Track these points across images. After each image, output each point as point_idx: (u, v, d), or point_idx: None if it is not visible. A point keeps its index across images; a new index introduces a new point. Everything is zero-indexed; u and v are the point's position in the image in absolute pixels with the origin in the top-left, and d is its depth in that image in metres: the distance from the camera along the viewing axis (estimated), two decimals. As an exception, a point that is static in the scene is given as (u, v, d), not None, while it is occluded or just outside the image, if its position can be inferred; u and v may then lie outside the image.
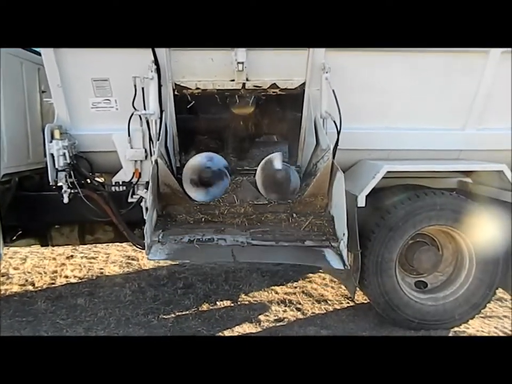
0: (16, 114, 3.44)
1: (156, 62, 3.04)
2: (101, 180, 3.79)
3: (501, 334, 3.36)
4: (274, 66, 3.12)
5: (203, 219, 3.05)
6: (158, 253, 2.69)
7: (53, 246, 3.95)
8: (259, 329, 3.37)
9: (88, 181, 3.37)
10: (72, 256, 5.02)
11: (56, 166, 3.14)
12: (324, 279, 4.38)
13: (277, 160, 3.09)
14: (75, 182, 3.23)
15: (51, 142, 3.10)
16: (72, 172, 3.21)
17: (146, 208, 3.22)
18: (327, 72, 3.06)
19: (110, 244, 5.03)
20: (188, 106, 3.36)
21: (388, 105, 3.39)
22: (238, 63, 2.97)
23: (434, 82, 3.34)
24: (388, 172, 3.11)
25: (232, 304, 3.82)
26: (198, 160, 3.17)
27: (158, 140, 2.99)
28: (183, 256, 2.81)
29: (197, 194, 3.12)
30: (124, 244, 5.02)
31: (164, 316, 3.58)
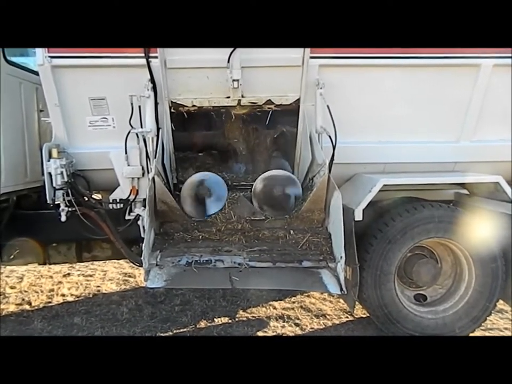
0: (14, 133, 3.46)
1: (152, 80, 3.08)
2: (98, 197, 3.80)
3: (502, 347, 3.33)
4: (269, 83, 3.15)
5: (200, 237, 3.05)
6: (156, 279, 2.69)
7: (50, 264, 3.91)
8: (258, 346, 3.34)
9: (86, 198, 3.37)
10: (69, 274, 4.99)
11: (54, 185, 3.15)
12: (322, 293, 4.34)
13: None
14: (72, 200, 3.24)
15: (49, 161, 3.12)
16: (69, 190, 3.22)
17: (143, 227, 3.23)
18: (321, 88, 3.10)
19: (107, 261, 5.01)
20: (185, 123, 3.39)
21: (382, 119, 3.43)
22: (233, 80, 2.99)
23: (427, 96, 3.39)
24: (384, 185, 3.12)
25: (230, 321, 3.78)
26: (195, 177, 3.18)
27: (155, 157, 3.01)
28: (181, 283, 2.87)
29: (194, 211, 3.12)
30: (121, 261, 5.00)
31: (161, 334, 3.55)
